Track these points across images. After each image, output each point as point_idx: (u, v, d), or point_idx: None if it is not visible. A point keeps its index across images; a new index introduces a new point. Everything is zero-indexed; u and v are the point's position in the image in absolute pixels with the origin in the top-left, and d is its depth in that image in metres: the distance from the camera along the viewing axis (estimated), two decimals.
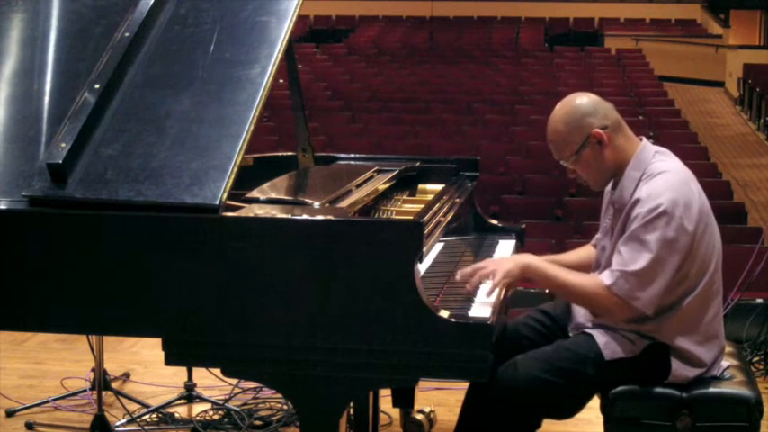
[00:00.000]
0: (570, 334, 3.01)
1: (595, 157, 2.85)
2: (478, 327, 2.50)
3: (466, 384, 3.12)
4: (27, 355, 5.08)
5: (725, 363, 2.92)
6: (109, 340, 4.56)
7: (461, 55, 17.47)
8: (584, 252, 3.20)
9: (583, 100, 2.87)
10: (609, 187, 2.96)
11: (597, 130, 2.82)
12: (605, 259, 2.89)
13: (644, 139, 2.92)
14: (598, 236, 3.04)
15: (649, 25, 22.51)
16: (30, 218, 2.67)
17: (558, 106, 2.89)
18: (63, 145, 2.69)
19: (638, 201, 2.75)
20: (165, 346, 2.61)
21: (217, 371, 2.67)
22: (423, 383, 3.42)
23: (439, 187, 3.63)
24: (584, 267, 3.09)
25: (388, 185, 3.31)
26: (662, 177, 2.77)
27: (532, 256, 2.90)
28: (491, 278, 2.77)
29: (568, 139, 2.84)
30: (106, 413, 3.96)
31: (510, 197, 8.29)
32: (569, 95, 2.91)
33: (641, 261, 2.70)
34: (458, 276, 2.80)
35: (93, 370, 4.22)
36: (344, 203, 2.87)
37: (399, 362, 2.51)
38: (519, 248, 3.58)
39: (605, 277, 2.76)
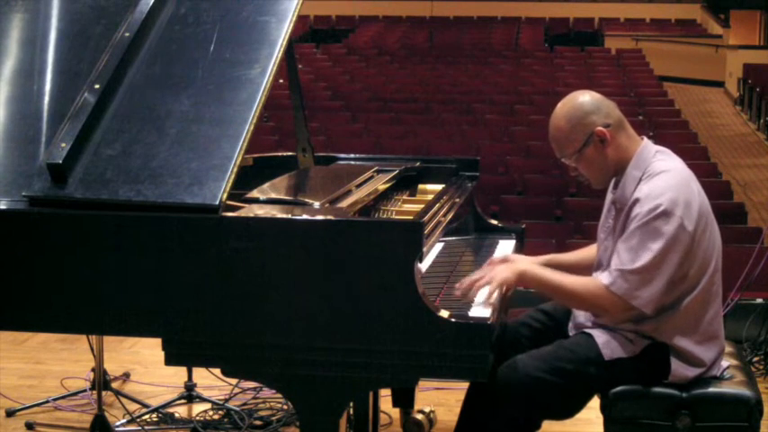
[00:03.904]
0: (570, 334, 3.00)
1: (597, 156, 2.84)
2: (478, 327, 2.50)
3: (466, 384, 3.12)
4: (27, 355, 5.08)
5: (725, 363, 2.92)
6: (109, 340, 4.55)
7: (461, 55, 17.45)
8: (586, 252, 3.19)
9: (586, 98, 2.87)
10: (611, 186, 2.96)
11: (600, 128, 2.82)
12: (607, 259, 2.89)
13: (645, 138, 2.92)
14: (601, 235, 3.03)
15: (649, 25, 22.49)
16: (30, 218, 2.67)
17: (560, 104, 2.88)
18: (63, 145, 2.69)
19: (637, 200, 2.75)
20: (165, 346, 2.61)
21: (217, 371, 2.68)
22: (423, 383, 3.43)
23: (439, 187, 3.63)
24: (584, 266, 3.08)
25: (388, 185, 3.31)
26: (662, 177, 2.77)
27: (528, 262, 2.89)
28: (488, 287, 2.75)
29: (571, 137, 2.84)
30: (106, 413, 3.95)
31: (510, 197, 8.30)
32: (572, 93, 2.91)
33: (640, 260, 2.70)
34: (458, 293, 2.75)
35: (93, 370, 4.22)
36: (344, 203, 2.87)
37: (399, 362, 2.51)
38: (519, 249, 3.58)
39: (604, 278, 2.76)
